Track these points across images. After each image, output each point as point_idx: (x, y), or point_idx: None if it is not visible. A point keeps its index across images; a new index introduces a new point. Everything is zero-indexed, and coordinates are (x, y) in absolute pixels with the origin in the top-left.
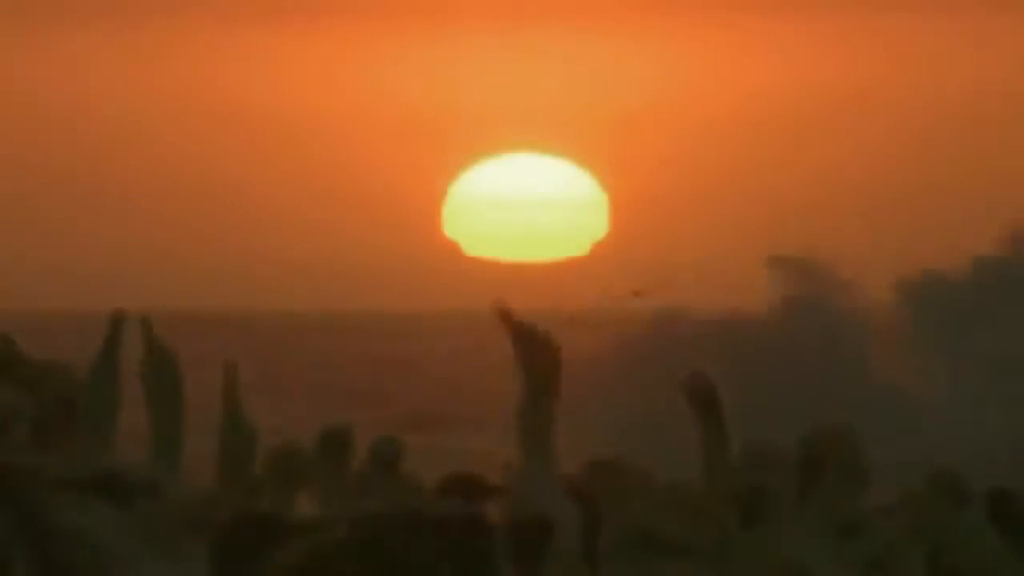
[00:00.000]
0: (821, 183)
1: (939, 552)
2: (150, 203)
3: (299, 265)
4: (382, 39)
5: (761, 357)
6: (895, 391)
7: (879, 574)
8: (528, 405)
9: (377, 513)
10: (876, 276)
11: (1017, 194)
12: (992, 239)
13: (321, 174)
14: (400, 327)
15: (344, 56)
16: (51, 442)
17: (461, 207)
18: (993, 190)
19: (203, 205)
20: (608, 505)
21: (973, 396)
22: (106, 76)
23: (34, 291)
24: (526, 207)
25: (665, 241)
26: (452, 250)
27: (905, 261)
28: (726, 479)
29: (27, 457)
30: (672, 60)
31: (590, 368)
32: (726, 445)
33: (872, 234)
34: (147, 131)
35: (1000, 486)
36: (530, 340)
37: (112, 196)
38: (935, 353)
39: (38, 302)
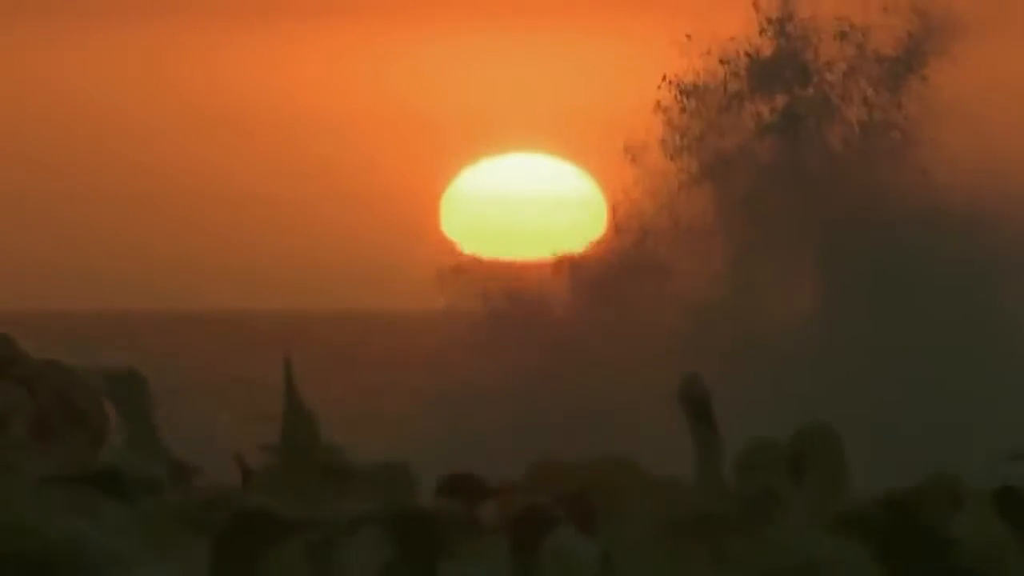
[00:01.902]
0: None
1: (938, 551)
2: (150, 203)
3: (299, 265)
4: (382, 39)
5: None
6: None
7: (877, 571)
8: None
9: (376, 513)
10: None
11: None
12: None
13: (320, 173)
14: (399, 325)
15: (344, 56)
16: (50, 440)
17: (460, 206)
18: None
19: (203, 205)
20: (608, 503)
21: None
22: (106, 75)
23: (34, 291)
24: (525, 206)
25: None
26: (450, 249)
27: None
28: (720, 482)
29: (26, 455)
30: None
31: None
32: (720, 449)
33: None
34: (147, 130)
35: (1007, 485)
36: None
37: (112, 196)
38: None
39: (38, 302)
